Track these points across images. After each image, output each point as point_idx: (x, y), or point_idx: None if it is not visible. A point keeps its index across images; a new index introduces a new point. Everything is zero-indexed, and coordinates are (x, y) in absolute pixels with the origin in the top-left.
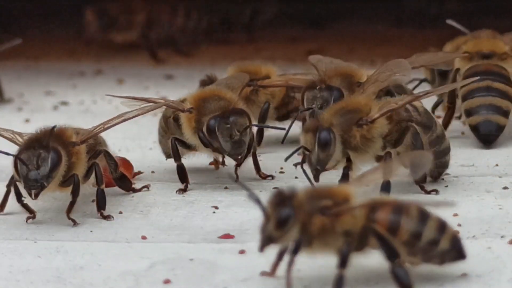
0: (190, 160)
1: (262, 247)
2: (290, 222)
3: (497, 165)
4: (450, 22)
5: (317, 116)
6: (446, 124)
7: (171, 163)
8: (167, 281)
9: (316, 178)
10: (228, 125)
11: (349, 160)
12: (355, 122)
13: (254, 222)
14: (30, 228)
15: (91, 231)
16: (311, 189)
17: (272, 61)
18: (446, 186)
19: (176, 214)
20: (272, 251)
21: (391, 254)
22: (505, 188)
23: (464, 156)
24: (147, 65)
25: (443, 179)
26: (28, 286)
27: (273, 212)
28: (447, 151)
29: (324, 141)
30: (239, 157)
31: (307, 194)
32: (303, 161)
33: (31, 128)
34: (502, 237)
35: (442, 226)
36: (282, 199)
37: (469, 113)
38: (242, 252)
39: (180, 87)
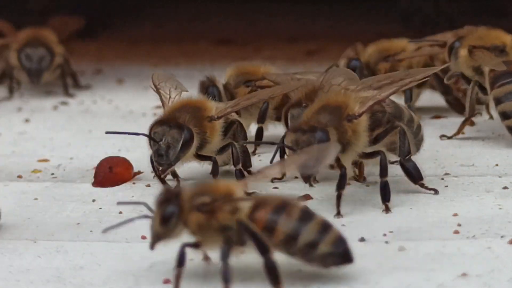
0: None
1: (152, 245)
2: (172, 220)
3: (497, 165)
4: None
5: (303, 115)
6: (459, 131)
7: None
8: (167, 281)
9: (308, 181)
10: (158, 132)
11: (337, 160)
12: (344, 118)
13: None
14: (29, 228)
15: (91, 231)
16: (197, 186)
17: (272, 61)
18: (446, 186)
19: None
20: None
21: (262, 250)
22: (505, 188)
23: (464, 156)
24: (147, 65)
25: (443, 179)
26: (28, 286)
27: (158, 210)
28: (419, 128)
29: (322, 142)
30: (160, 168)
31: (192, 191)
32: None
33: (31, 128)
34: (502, 237)
35: (324, 229)
36: (168, 197)
37: (507, 115)
38: (242, 252)
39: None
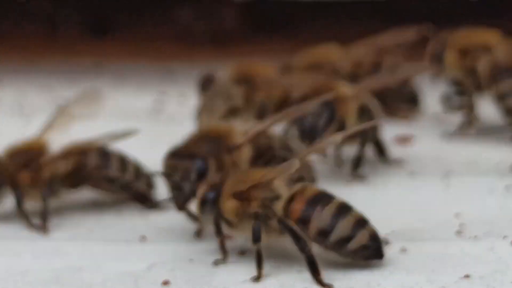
0: None
1: None
2: None
3: (499, 164)
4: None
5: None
6: (461, 131)
7: None
8: (166, 282)
9: (182, 207)
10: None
11: None
12: (225, 149)
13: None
14: (28, 228)
15: (90, 232)
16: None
17: (270, 60)
18: (448, 186)
19: (175, 215)
20: (272, 252)
21: (301, 246)
22: (508, 187)
23: (466, 156)
24: (147, 64)
25: (445, 178)
26: (26, 287)
27: None
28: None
29: (201, 170)
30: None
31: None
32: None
33: (31, 128)
34: (504, 237)
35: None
36: None
37: None
38: (242, 252)
39: (180, 87)
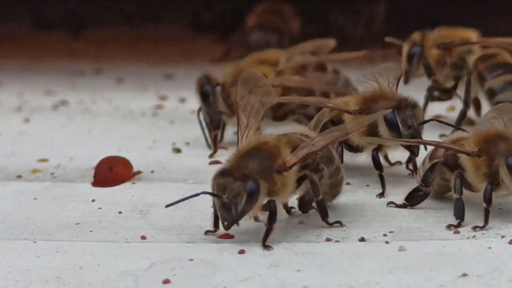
0: (189, 159)
1: None
2: None
3: None
4: (389, 39)
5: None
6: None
7: (171, 162)
8: (166, 281)
9: (229, 228)
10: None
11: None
12: (275, 169)
13: (254, 222)
14: (29, 228)
15: (90, 231)
16: None
17: None
18: None
19: (176, 214)
20: (272, 251)
21: None
22: None
23: None
24: (147, 64)
25: None
26: (27, 286)
27: None
28: (341, 181)
29: (252, 191)
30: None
31: None
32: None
33: (30, 127)
34: (502, 237)
35: None
36: None
37: None
38: (242, 252)
39: (180, 87)
